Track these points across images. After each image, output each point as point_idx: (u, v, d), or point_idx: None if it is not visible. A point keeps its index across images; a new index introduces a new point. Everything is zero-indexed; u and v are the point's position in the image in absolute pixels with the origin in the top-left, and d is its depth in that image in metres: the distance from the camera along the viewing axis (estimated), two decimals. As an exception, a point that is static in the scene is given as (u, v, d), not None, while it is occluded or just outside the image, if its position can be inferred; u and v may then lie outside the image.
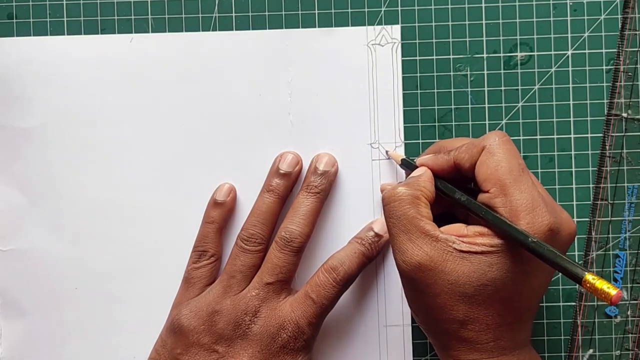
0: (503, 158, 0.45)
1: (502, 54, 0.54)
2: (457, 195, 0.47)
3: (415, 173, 0.49)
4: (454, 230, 0.46)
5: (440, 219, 0.47)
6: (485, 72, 0.54)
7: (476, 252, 0.44)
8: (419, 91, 0.54)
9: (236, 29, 0.55)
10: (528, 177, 0.45)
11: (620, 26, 0.54)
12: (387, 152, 0.54)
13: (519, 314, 0.45)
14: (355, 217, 0.54)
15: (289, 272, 0.51)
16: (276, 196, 0.53)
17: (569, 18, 0.54)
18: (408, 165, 0.51)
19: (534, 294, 0.46)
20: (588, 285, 0.40)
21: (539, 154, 0.54)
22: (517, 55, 0.54)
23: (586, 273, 0.40)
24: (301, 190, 0.53)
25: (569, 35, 0.54)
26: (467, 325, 0.45)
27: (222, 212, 0.54)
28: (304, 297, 0.51)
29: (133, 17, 0.55)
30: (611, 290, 0.39)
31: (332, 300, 0.51)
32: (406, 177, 0.50)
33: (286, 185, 0.53)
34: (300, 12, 0.55)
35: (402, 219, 0.46)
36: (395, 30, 0.54)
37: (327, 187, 0.53)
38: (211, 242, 0.54)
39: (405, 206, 0.46)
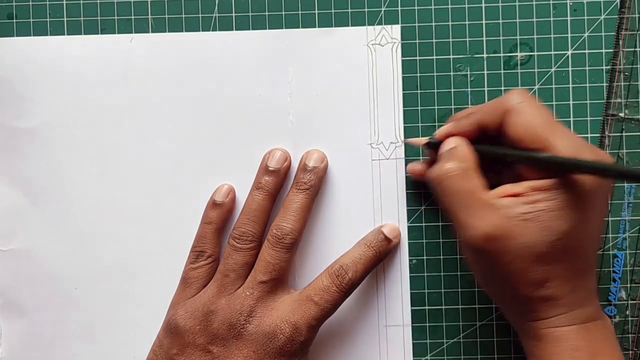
0: (534, 113, 0.46)
1: (502, 54, 0.54)
2: (502, 151, 0.47)
3: (448, 145, 0.48)
4: (506, 190, 0.46)
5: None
6: (485, 72, 0.54)
7: (539, 210, 0.44)
8: (419, 91, 0.54)
9: (236, 29, 0.55)
10: (563, 125, 0.46)
11: (616, 26, 0.54)
12: (403, 142, 0.54)
13: (586, 261, 0.46)
14: (355, 217, 0.54)
15: (282, 269, 0.51)
16: (266, 193, 0.53)
17: (569, 18, 0.54)
18: (434, 145, 0.50)
19: (595, 238, 0.47)
20: None
21: (539, 153, 0.54)
22: (517, 55, 0.54)
23: None
24: (291, 188, 0.53)
25: (569, 35, 0.54)
26: (546, 284, 0.45)
27: (220, 212, 0.54)
28: (306, 299, 0.51)
29: (133, 17, 0.55)
30: None
31: (335, 305, 0.51)
32: (438, 157, 0.49)
33: (275, 182, 0.53)
34: (300, 12, 0.55)
35: (459, 194, 0.46)
36: (395, 30, 0.54)
37: (316, 183, 0.53)
38: (209, 243, 0.53)
39: (459, 181, 0.46)
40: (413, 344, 0.54)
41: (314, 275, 0.52)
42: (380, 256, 0.53)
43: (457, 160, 0.47)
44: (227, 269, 0.52)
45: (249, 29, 0.55)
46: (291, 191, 0.53)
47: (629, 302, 0.54)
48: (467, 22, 0.54)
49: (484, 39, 0.54)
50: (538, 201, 0.44)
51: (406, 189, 0.54)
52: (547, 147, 0.45)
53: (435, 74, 0.54)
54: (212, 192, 0.54)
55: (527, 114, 0.46)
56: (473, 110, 0.49)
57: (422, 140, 0.52)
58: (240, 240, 0.52)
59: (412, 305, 0.54)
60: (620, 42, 0.54)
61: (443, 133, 0.49)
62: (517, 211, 0.45)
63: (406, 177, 0.54)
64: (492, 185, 0.48)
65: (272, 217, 0.53)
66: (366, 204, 0.54)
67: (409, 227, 0.54)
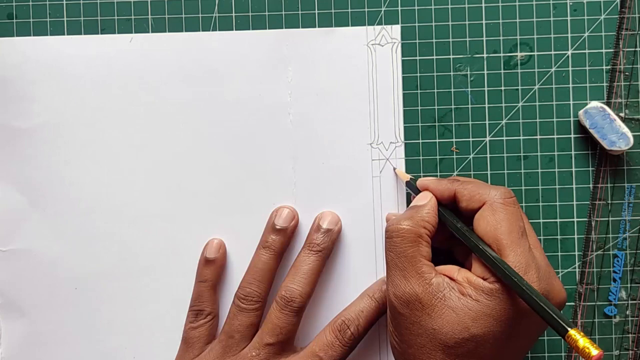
0: (504, 218, 0.46)
1: (502, 54, 0.54)
2: (459, 225, 0.47)
3: (420, 200, 0.49)
4: (447, 271, 0.46)
5: (439, 253, 0.49)
6: (485, 72, 0.54)
7: (464, 305, 0.44)
8: (419, 91, 0.54)
9: (236, 29, 0.55)
10: (526, 242, 0.45)
11: (616, 26, 0.54)
12: (394, 169, 0.54)
13: None
14: (354, 214, 0.54)
15: (289, 332, 0.51)
16: (272, 252, 0.52)
17: (569, 18, 0.54)
18: (412, 189, 0.51)
19: (514, 357, 0.46)
20: (571, 340, 0.40)
21: (539, 154, 0.54)
22: (517, 55, 0.54)
23: (570, 328, 0.40)
24: (303, 248, 0.53)
25: (569, 35, 0.54)
26: None
27: (214, 269, 0.54)
28: (312, 356, 0.50)
29: (133, 17, 0.55)
30: (592, 349, 0.39)
31: (342, 359, 0.51)
32: (411, 200, 0.50)
33: (282, 241, 0.53)
34: (300, 12, 0.55)
35: (400, 256, 0.46)
36: (395, 30, 0.54)
37: (329, 246, 0.53)
38: (207, 301, 0.53)
39: (405, 244, 0.46)
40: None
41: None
42: (384, 307, 0.52)
43: (413, 222, 0.47)
44: (232, 329, 0.51)
45: (249, 29, 0.55)
46: (303, 252, 0.53)
47: (629, 302, 0.54)
48: (467, 22, 0.54)
49: (484, 39, 0.54)
50: (468, 296, 0.44)
51: (406, 190, 0.54)
52: (500, 255, 0.45)
53: (435, 74, 0.54)
54: (202, 249, 0.54)
55: (498, 215, 0.46)
56: (462, 180, 0.49)
57: (406, 177, 0.53)
58: (246, 300, 0.52)
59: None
60: (620, 42, 0.54)
61: (422, 184, 0.50)
62: (443, 294, 0.44)
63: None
64: (443, 243, 0.50)
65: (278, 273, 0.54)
66: (366, 203, 0.54)
67: (409, 227, 0.54)
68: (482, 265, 0.45)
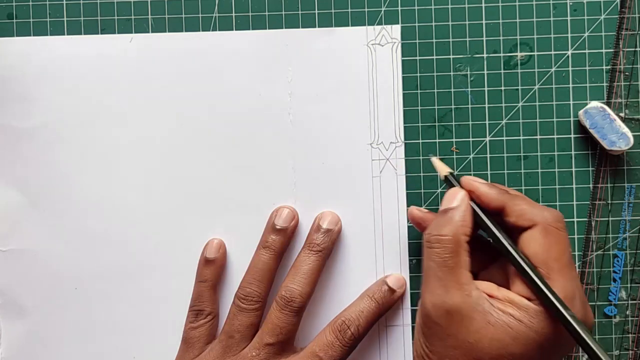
0: (556, 243, 0.45)
1: (502, 54, 0.54)
2: (507, 243, 0.46)
3: (451, 201, 0.47)
4: (487, 288, 0.45)
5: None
6: (485, 72, 0.54)
7: (503, 321, 0.43)
8: (419, 91, 0.54)
9: (236, 29, 0.55)
10: (573, 269, 0.45)
11: (616, 26, 0.54)
12: (431, 157, 0.52)
13: None
14: (354, 214, 0.54)
15: (289, 332, 0.51)
16: (272, 252, 0.52)
17: (569, 18, 0.54)
18: (449, 184, 0.49)
19: None
20: None
21: (539, 154, 0.54)
22: (517, 55, 0.54)
23: None
24: (303, 248, 0.53)
25: (569, 35, 0.54)
26: None
27: (214, 269, 0.54)
28: (312, 356, 0.50)
29: (133, 17, 0.55)
30: None
31: (342, 359, 0.51)
32: (441, 203, 0.48)
33: (282, 241, 0.53)
34: (300, 12, 0.55)
35: (441, 265, 0.45)
36: (395, 30, 0.54)
37: (329, 246, 0.53)
38: (207, 301, 0.53)
39: (447, 254, 0.45)
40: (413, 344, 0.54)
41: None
42: (383, 308, 0.52)
43: (455, 227, 0.46)
44: (233, 329, 0.51)
45: (249, 29, 0.55)
46: (303, 252, 0.53)
47: (629, 302, 0.54)
48: (467, 22, 0.54)
49: (484, 39, 0.54)
50: (508, 314, 0.44)
51: (406, 189, 0.54)
52: (549, 279, 0.44)
53: (435, 74, 0.54)
54: (202, 249, 0.54)
55: (550, 239, 0.45)
56: (511, 192, 0.48)
57: (445, 170, 0.50)
58: (246, 300, 0.52)
59: (412, 305, 0.54)
60: (620, 42, 0.54)
61: (469, 185, 0.48)
62: (483, 307, 0.44)
63: (406, 176, 0.54)
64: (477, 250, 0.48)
65: (278, 273, 0.54)
66: (366, 202, 0.54)
67: (408, 227, 0.54)
68: (524, 285, 0.45)
